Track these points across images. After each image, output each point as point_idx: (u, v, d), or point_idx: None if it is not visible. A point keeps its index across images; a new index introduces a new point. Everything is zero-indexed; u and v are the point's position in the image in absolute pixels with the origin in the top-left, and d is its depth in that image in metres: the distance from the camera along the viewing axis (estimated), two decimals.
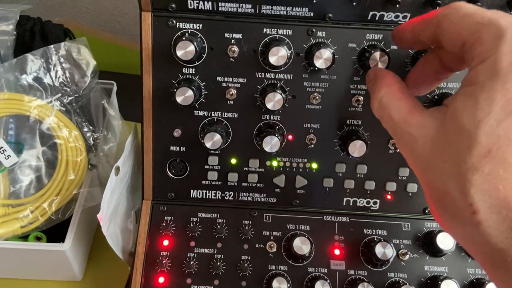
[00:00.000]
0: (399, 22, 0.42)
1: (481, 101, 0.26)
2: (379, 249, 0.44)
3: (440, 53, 0.35)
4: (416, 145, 0.30)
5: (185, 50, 0.41)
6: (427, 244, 0.46)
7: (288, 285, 0.44)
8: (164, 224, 0.47)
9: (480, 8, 0.29)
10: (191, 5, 0.42)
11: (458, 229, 0.28)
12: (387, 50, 0.42)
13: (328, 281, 0.44)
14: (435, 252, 0.46)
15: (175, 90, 0.42)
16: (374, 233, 0.47)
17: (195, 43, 0.41)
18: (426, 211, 0.48)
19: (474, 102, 0.26)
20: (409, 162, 0.32)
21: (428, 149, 0.29)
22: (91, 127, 0.54)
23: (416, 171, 0.31)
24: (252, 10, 0.42)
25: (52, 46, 0.52)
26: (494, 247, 0.25)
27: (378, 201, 0.48)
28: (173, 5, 0.42)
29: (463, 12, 0.29)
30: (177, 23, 0.42)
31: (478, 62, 0.27)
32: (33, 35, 0.57)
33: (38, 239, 0.51)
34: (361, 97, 0.44)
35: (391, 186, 0.47)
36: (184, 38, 0.41)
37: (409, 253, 0.46)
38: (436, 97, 0.44)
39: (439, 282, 0.43)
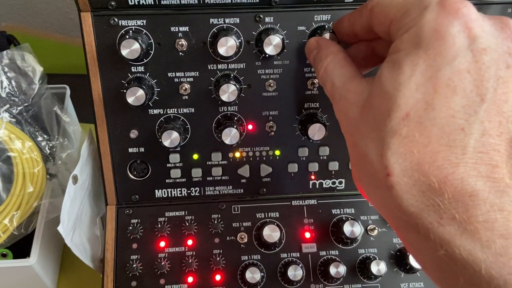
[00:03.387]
0: (345, 1, 0.42)
1: (404, 66, 0.27)
2: (347, 228, 0.45)
3: (373, 43, 0.37)
4: (350, 109, 0.31)
5: (130, 49, 0.39)
6: None
7: (262, 273, 0.44)
8: (131, 227, 0.46)
9: None
10: (131, 1, 0.40)
11: (374, 192, 0.29)
12: None
13: (300, 265, 0.45)
14: None
15: (125, 91, 0.40)
16: (342, 212, 0.48)
17: (140, 40, 0.39)
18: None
19: (397, 67, 0.27)
20: (342, 128, 0.33)
21: (358, 113, 0.30)
22: (45, 136, 0.52)
23: (346, 137, 0.32)
24: (196, 1, 0.41)
25: None
26: (405, 210, 0.26)
27: (343, 180, 0.49)
28: (113, 3, 0.40)
29: None
30: (119, 21, 0.41)
31: (404, 31, 0.28)
32: None
33: (4, 256, 0.49)
34: (316, 80, 0.44)
35: None
36: (128, 37, 0.39)
37: (377, 228, 0.47)
38: None
39: (408, 254, 0.44)
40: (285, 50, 0.41)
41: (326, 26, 0.42)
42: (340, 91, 0.32)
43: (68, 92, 0.59)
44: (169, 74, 0.43)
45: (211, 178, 0.47)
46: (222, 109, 0.45)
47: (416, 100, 0.26)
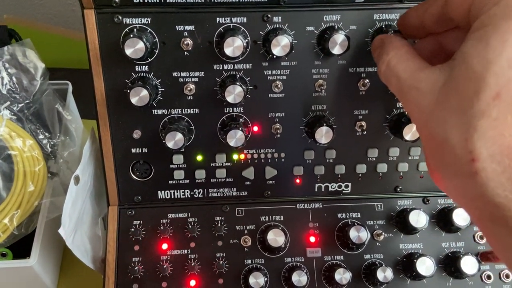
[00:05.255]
0: (356, 1, 0.40)
1: (493, 41, 0.24)
2: (353, 234, 0.44)
3: (441, 37, 0.34)
4: (423, 98, 0.28)
5: (134, 48, 0.38)
6: (400, 222, 0.46)
7: (265, 278, 0.44)
8: (133, 229, 0.45)
9: None
10: None
11: (454, 181, 0.27)
12: (346, 31, 0.41)
13: (305, 270, 0.44)
14: (409, 229, 0.46)
15: (128, 91, 0.39)
16: (347, 216, 0.47)
17: (144, 39, 0.38)
18: (398, 189, 0.48)
19: (485, 43, 0.25)
20: (413, 119, 0.31)
21: (434, 100, 0.28)
22: (47, 134, 0.51)
23: (418, 126, 0.30)
24: None
25: None
26: (490, 200, 0.24)
27: (349, 184, 0.48)
28: (117, 0, 0.39)
29: None
30: (124, 19, 0.40)
31: (491, 5, 0.25)
32: None
33: (4, 255, 0.48)
34: (324, 82, 0.43)
35: (361, 168, 0.47)
36: (132, 35, 0.38)
37: (383, 233, 0.46)
38: None
39: (415, 260, 0.43)
40: (293, 51, 0.40)
41: (336, 26, 0.40)
42: (408, 82, 0.30)
43: (70, 88, 0.58)
44: (174, 74, 0.42)
45: (215, 180, 0.47)
46: (227, 110, 0.44)
47: (508, 78, 0.24)
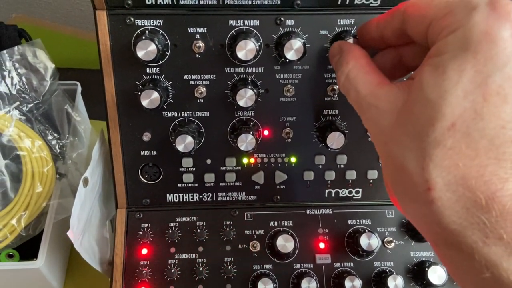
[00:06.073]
0: (371, 5, 0.40)
1: (449, 71, 0.24)
2: (364, 241, 0.43)
3: (401, 50, 0.34)
4: (382, 117, 0.29)
5: (146, 50, 0.38)
6: (411, 229, 0.46)
7: (274, 285, 0.43)
8: (141, 232, 0.45)
9: None
10: (149, 1, 0.39)
11: (411, 206, 0.27)
12: None
13: (314, 277, 0.43)
14: (420, 237, 0.45)
15: (139, 93, 0.39)
16: (358, 223, 0.46)
17: (156, 41, 0.38)
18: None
19: (441, 72, 0.25)
20: (372, 137, 0.31)
21: (393, 121, 0.28)
22: (55, 135, 0.50)
23: (377, 145, 0.30)
24: (216, 2, 0.39)
25: (5, 51, 0.49)
26: (446, 227, 0.24)
27: (360, 190, 0.47)
28: (129, 2, 0.38)
29: None
30: (136, 21, 0.39)
31: (449, 32, 0.25)
32: None
33: (11, 256, 0.48)
34: (336, 86, 0.42)
35: (373, 174, 0.46)
36: (144, 37, 0.38)
37: (394, 240, 0.45)
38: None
39: (426, 269, 0.43)
40: (305, 55, 0.40)
41: (352, 30, 0.40)
42: (368, 99, 0.30)
43: (79, 89, 0.58)
44: (185, 77, 0.41)
45: (224, 184, 0.46)
46: (238, 113, 0.43)
47: (464, 109, 0.24)
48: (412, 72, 0.31)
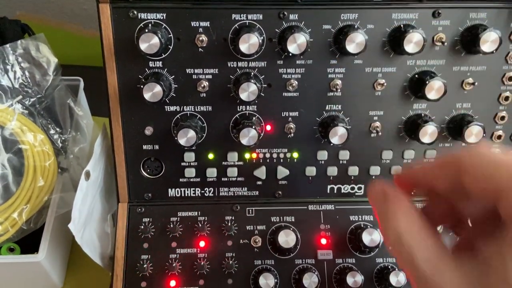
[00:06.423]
0: (374, 0, 0.40)
1: None
2: (366, 237, 0.43)
3: (454, 200, 0.29)
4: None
5: (149, 43, 0.38)
6: None
7: (276, 280, 0.43)
8: (142, 226, 0.45)
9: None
10: None
11: None
12: (363, 30, 0.40)
13: (316, 272, 0.43)
14: None
15: (142, 86, 0.39)
16: (360, 219, 0.46)
17: (159, 35, 0.38)
18: (412, 192, 0.47)
19: None
20: None
21: None
22: (58, 129, 0.50)
23: None
24: None
25: (8, 45, 0.49)
26: None
27: (362, 186, 0.47)
28: None
29: (492, 158, 0.24)
30: (139, 14, 0.39)
31: None
32: None
33: (12, 250, 0.48)
34: (339, 81, 0.42)
35: (375, 170, 0.46)
36: (147, 30, 0.38)
37: None
38: (416, 75, 0.42)
39: None
40: (309, 50, 0.40)
41: (353, 25, 0.40)
42: (427, 273, 0.25)
43: (81, 84, 0.58)
44: (188, 71, 0.41)
45: (226, 179, 0.46)
46: (241, 108, 0.43)
47: None
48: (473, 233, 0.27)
